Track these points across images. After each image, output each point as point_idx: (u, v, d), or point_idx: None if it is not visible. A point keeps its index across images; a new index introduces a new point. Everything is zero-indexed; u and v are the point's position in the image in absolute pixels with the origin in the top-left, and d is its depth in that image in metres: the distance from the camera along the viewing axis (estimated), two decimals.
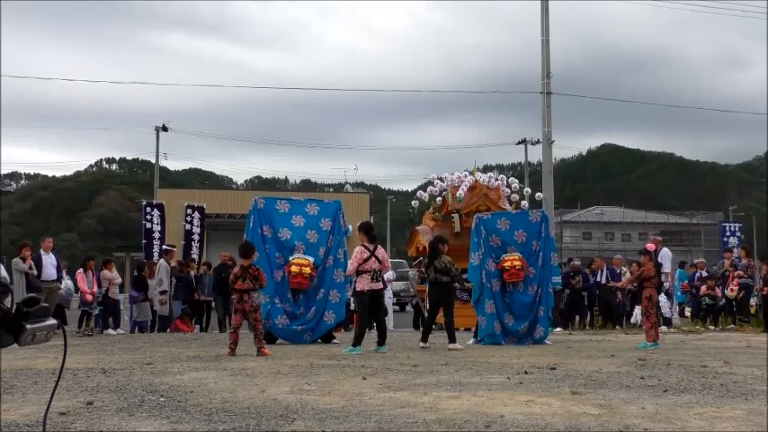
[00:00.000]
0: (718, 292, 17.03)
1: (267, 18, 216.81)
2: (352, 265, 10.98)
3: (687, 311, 18.44)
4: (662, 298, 17.74)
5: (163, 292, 15.61)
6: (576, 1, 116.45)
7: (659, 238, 19.02)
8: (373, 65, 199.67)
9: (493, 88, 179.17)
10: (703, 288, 17.28)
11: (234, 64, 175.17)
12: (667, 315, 17.07)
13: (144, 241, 18.73)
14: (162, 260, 16.10)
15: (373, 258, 10.65)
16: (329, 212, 12.60)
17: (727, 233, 24.90)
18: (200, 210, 19.27)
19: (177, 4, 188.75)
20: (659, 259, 16.13)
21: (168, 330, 15.58)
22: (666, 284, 18.06)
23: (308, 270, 12.05)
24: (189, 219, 18.96)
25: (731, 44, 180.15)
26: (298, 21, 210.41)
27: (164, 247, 17.33)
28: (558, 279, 13.75)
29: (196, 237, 19.03)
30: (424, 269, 12.69)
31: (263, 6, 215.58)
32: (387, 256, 11.18)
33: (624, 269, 17.61)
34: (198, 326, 16.72)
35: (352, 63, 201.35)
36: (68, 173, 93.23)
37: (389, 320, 17.23)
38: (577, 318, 17.46)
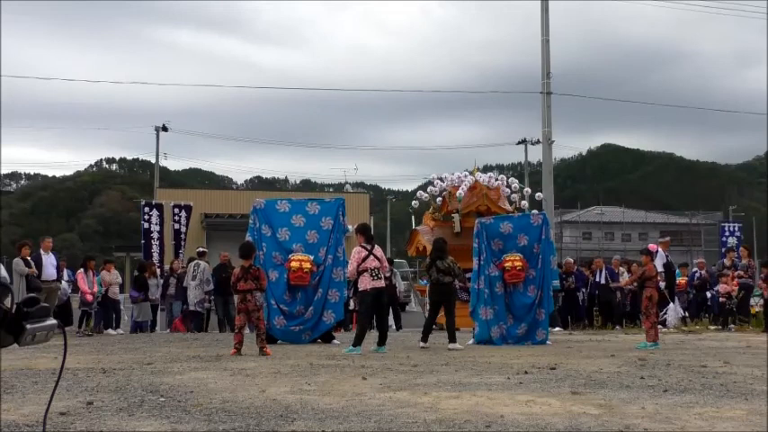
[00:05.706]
0: (728, 288, 16.95)
1: (276, 15, 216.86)
2: (351, 265, 10.96)
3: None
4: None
5: (208, 293, 15.83)
6: (576, 0, 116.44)
7: (666, 240, 18.82)
8: (376, 63, 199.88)
9: (494, 87, 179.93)
10: (721, 287, 17.19)
11: (242, 61, 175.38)
12: (681, 315, 17.08)
13: (143, 241, 18.70)
14: (202, 262, 16.19)
15: (372, 257, 10.65)
16: (330, 211, 12.43)
17: (726, 233, 24.89)
18: (187, 208, 19.21)
19: (185, 3, 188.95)
20: (658, 260, 16.11)
21: (168, 330, 15.59)
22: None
23: (308, 265, 11.98)
24: (177, 218, 18.93)
25: (732, 44, 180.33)
26: (305, 17, 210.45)
27: (199, 249, 17.50)
28: (556, 282, 13.85)
29: (183, 236, 19.03)
30: (425, 269, 12.66)
31: (272, 5, 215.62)
32: (384, 256, 11.19)
33: (622, 269, 17.54)
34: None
35: (355, 60, 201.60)
36: (68, 173, 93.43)
37: (391, 320, 17.23)
38: (574, 318, 17.41)
